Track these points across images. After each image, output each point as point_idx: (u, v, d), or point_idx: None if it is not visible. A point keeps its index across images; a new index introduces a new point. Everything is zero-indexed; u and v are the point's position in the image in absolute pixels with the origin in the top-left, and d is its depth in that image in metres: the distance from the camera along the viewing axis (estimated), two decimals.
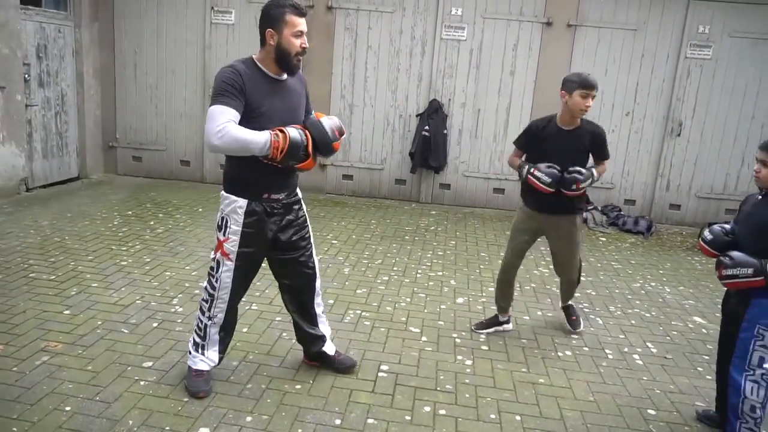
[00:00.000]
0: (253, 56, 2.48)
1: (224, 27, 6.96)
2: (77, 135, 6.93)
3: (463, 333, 3.57)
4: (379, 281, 4.34)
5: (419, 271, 4.66)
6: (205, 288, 2.62)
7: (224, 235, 2.51)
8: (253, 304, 3.73)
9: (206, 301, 2.62)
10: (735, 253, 2.39)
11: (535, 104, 6.77)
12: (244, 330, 3.35)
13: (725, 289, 2.65)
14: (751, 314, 2.38)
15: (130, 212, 5.70)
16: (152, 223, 5.40)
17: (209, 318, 2.62)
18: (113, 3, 6.99)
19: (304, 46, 2.41)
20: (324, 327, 2.94)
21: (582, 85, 3.18)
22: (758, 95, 6.54)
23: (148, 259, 4.41)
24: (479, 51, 6.74)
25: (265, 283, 4.09)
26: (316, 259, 2.82)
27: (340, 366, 2.97)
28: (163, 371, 2.86)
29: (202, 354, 2.67)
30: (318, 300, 2.88)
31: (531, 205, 3.41)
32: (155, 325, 3.36)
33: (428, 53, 6.80)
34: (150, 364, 2.92)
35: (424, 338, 3.47)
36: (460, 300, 4.11)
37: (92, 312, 3.45)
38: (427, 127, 6.69)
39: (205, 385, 2.66)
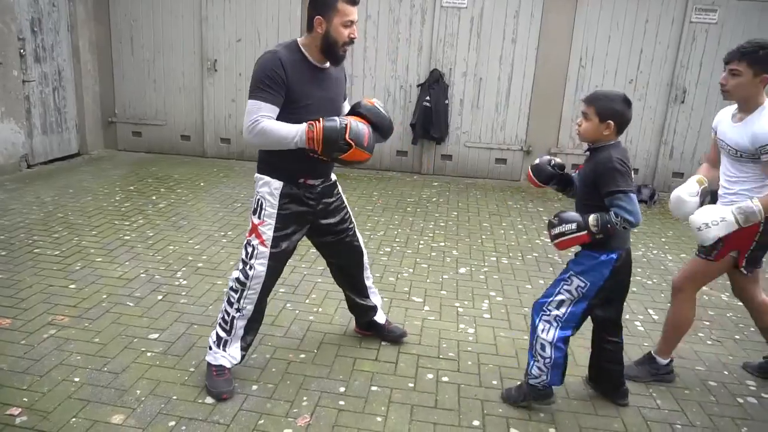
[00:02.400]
0: (298, 40, 2.37)
1: None
2: (76, 110, 6.89)
3: (465, 302, 3.60)
4: (381, 252, 4.35)
5: (421, 241, 4.68)
6: (236, 278, 2.46)
7: (259, 218, 2.41)
8: None
9: (236, 291, 2.46)
10: (562, 213, 2.37)
11: (537, 72, 6.68)
12: None
13: None
14: (571, 262, 2.45)
15: (131, 187, 5.71)
16: (154, 197, 5.41)
17: (237, 310, 2.46)
18: None
19: (352, 36, 2.31)
20: (375, 297, 2.98)
21: None
22: None
23: (151, 234, 4.43)
24: (480, 19, 6.63)
25: None
26: (359, 235, 2.83)
27: (389, 335, 3.02)
28: (169, 342, 2.90)
29: (224, 350, 2.51)
30: (367, 273, 2.90)
31: None
32: (160, 297, 3.39)
33: (428, 22, 6.69)
34: (156, 335, 2.96)
35: (426, 307, 3.50)
36: (462, 270, 4.14)
37: (97, 286, 3.48)
38: (428, 98, 6.62)
39: (227, 385, 2.48)
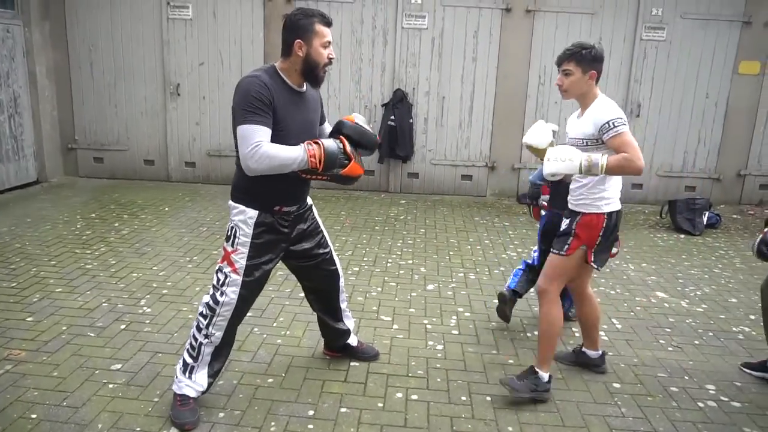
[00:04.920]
0: (276, 65, 2.37)
1: (182, 22, 6.82)
2: (33, 138, 6.73)
3: (434, 319, 3.62)
4: (349, 272, 4.35)
5: (389, 260, 4.69)
6: (207, 303, 2.42)
7: (232, 246, 2.38)
8: None
9: (205, 317, 2.41)
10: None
11: (498, 90, 6.84)
12: None
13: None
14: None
15: (93, 215, 5.58)
16: (117, 224, 5.30)
17: (206, 336, 2.42)
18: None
19: (331, 56, 2.36)
20: (348, 321, 2.97)
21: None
22: (711, 74, 6.74)
23: (114, 261, 4.33)
24: (441, 39, 6.77)
25: None
26: (336, 258, 2.81)
27: (363, 356, 3.02)
28: (132, 373, 2.83)
29: (190, 378, 2.45)
30: (343, 296, 2.90)
31: None
32: (123, 327, 3.31)
33: (390, 43, 6.80)
34: (119, 366, 2.88)
35: (395, 326, 3.50)
36: (430, 287, 4.16)
37: (56, 317, 3.38)
38: (392, 117, 6.70)
39: (192, 415, 2.42)
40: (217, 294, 2.41)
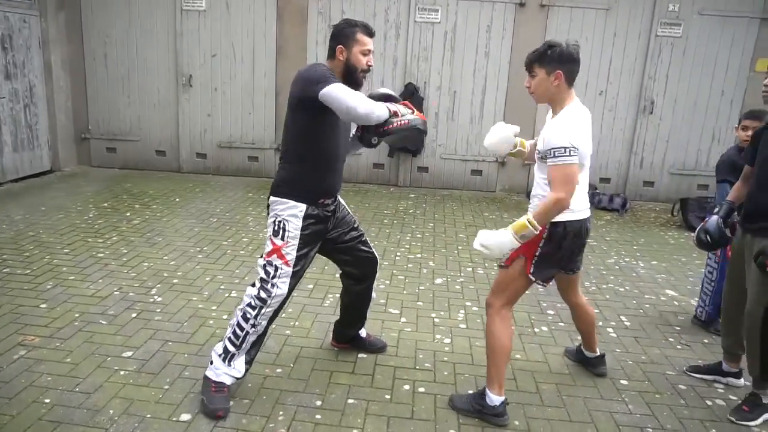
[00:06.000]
0: (324, 64, 2.53)
1: (195, 13, 6.85)
2: (48, 127, 6.80)
3: (442, 312, 3.63)
4: None
5: (398, 253, 4.71)
6: (256, 295, 2.49)
7: (282, 239, 2.48)
8: (233, 291, 3.74)
9: (253, 308, 2.50)
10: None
11: (510, 85, 6.81)
12: (224, 317, 3.37)
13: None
14: None
15: (105, 204, 5.64)
16: (128, 214, 5.35)
17: (252, 326, 2.51)
18: None
19: (369, 64, 2.50)
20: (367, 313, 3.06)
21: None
22: (727, 72, 6.66)
23: (125, 251, 4.38)
24: (453, 33, 6.75)
25: (243, 271, 4.10)
26: (371, 244, 2.89)
27: (371, 348, 3.08)
28: (143, 360, 2.87)
29: (229, 365, 2.53)
30: (374, 285, 2.97)
31: None
32: (134, 315, 3.35)
33: (402, 36, 6.79)
34: (130, 353, 2.93)
35: (403, 319, 3.52)
36: (438, 281, 4.17)
37: (69, 305, 3.43)
38: None
39: (225, 402, 2.50)
40: (268, 286, 2.49)
